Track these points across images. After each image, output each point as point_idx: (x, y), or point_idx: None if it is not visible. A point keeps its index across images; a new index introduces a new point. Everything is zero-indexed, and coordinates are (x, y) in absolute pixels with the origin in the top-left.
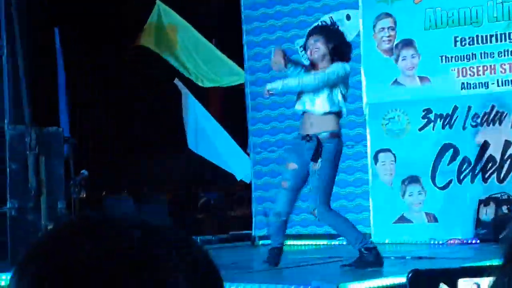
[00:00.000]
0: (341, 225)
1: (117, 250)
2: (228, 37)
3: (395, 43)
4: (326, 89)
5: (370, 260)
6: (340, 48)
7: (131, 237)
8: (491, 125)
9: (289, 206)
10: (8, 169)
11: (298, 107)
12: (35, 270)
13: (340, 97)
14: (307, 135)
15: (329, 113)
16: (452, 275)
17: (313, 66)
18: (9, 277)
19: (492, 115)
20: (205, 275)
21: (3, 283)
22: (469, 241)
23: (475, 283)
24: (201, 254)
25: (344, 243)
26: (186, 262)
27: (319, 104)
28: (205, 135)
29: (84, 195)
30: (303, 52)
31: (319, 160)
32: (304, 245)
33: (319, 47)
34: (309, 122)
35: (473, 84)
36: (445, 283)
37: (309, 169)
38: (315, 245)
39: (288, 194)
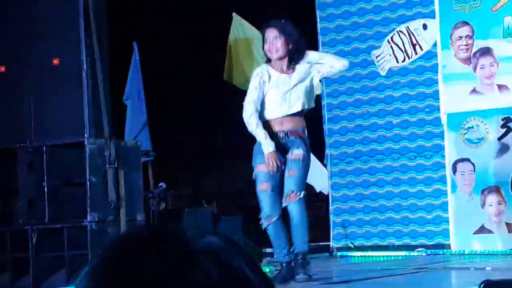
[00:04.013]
0: None
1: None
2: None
3: (473, 51)
4: None
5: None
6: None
7: (196, 261)
8: None
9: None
10: (88, 183)
11: None
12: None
13: None
14: None
15: None
16: None
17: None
18: None
19: None
20: None
21: None
22: None
23: None
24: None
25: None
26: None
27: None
28: None
29: (163, 207)
30: (380, 61)
31: None
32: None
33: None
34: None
35: None
36: None
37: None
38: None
39: None
